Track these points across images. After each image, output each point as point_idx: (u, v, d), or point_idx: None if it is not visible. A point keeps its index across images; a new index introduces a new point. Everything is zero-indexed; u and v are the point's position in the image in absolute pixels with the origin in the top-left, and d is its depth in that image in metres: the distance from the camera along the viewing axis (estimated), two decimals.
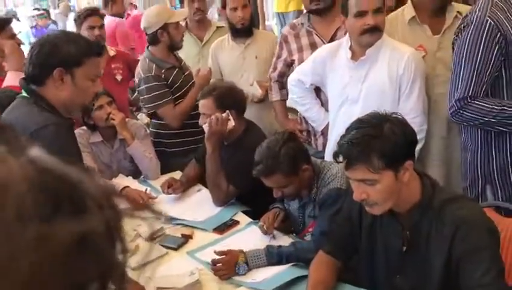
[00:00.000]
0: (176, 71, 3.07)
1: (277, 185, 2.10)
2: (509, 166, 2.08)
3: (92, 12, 3.41)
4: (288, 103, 3.02)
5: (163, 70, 3.02)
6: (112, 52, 3.48)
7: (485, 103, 1.98)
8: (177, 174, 2.85)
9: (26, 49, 3.18)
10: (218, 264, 2.00)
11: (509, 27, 1.94)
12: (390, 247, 1.67)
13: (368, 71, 2.37)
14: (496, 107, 1.96)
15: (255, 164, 2.08)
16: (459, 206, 1.55)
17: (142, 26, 3.12)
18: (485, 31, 1.94)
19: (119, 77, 3.47)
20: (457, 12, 2.43)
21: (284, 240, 2.14)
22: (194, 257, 2.15)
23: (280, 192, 2.13)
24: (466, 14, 2.08)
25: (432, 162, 2.51)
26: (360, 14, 2.25)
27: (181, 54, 3.21)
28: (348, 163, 1.54)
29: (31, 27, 10.20)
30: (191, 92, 3.04)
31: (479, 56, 1.96)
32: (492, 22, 1.93)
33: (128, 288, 1.47)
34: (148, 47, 3.11)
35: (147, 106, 3.12)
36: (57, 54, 1.71)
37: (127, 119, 2.95)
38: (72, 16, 7.94)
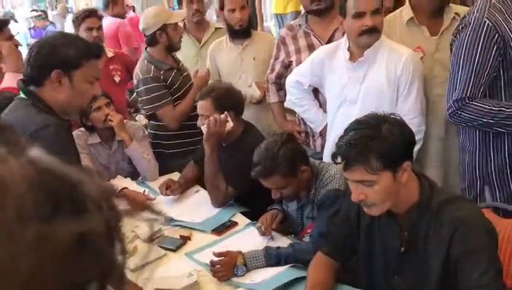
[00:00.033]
0: (174, 72, 3.07)
1: (275, 186, 2.10)
2: (507, 167, 2.08)
3: (90, 13, 3.41)
4: (286, 104, 3.02)
5: (161, 72, 3.02)
6: (110, 53, 3.48)
7: (483, 104, 1.98)
8: (175, 176, 2.85)
9: (23, 50, 3.18)
10: (216, 266, 2.00)
11: (507, 28, 1.95)
12: (389, 248, 1.67)
13: (366, 72, 2.37)
14: (493, 108, 1.97)
15: (254, 165, 2.08)
16: (457, 207, 1.55)
17: (140, 27, 3.13)
18: (483, 32, 1.94)
19: (117, 78, 3.47)
20: (455, 13, 2.43)
21: (283, 241, 2.14)
22: (192, 258, 2.15)
23: (278, 193, 2.13)
24: (464, 16, 2.09)
25: (430, 163, 2.51)
26: (358, 15, 2.25)
27: (179, 55, 3.21)
28: (346, 164, 1.54)
29: (29, 28, 10.20)
30: (190, 93, 3.04)
31: (477, 57, 1.97)
32: (490, 23, 1.94)
33: (127, 289, 1.46)
34: (146, 48, 3.11)
35: (146, 107, 3.11)
36: (56, 56, 1.71)
37: (125, 121, 2.95)
38: (70, 17, 7.95)
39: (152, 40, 3.03)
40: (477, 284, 1.45)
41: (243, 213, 2.48)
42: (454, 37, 2.10)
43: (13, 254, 0.39)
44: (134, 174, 2.93)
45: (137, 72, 3.06)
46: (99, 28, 3.40)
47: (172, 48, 3.06)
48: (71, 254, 0.42)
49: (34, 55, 1.73)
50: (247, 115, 2.78)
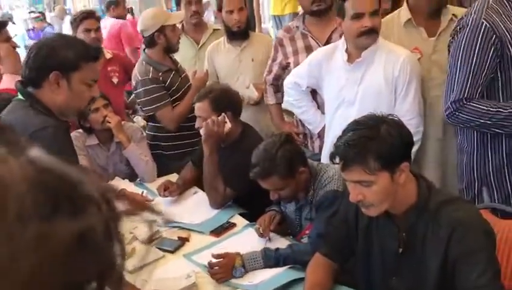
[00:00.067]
0: (173, 74, 3.07)
1: (274, 187, 2.10)
2: (505, 167, 2.08)
3: (88, 15, 3.40)
4: (284, 106, 3.02)
5: (160, 73, 3.02)
6: (108, 54, 3.48)
7: (481, 105, 1.99)
8: (173, 177, 2.85)
9: (21, 52, 3.18)
10: (215, 268, 2.00)
11: (505, 29, 1.95)
12: (387, 249, 1.67)
13: (364, 73, 2.37)
14: (491, 109, 1.97)
15: (252, 166, 2.08)
16: (455, 208, 1.55)
17: (138, 29, 3.13)
18: (481, 33, 1.95)
19: (115, 80, 3.46)
20: (453, 15, 2.44)
21: (281, 243, 2.14)
22: (190, 259, 2.15)
23: (277, 194, 2.13)
24: (461, 17, 2.09)
25: (427, 164, 2.51)
26: (357, 16, 2.26)
27: (177, 56, 3.21)
28: (344, 164, 1.55)
29: (27, 30, 10.19)
30: (188, 94, 3.04)
31: (475, 58, 1.97)
32: (487, 24, 1.94)
33: None
34: (144, 50, 3.11)
35: (144, 108, 3.11)
36: (54, 58, 1.70)
37: (123, 122, 2.95)
38: (68, 18, 7.94)
39: (150, 42, 3.03)
40: (475, 285, 1.45)
41: (241, 214, 2.47)
42: (452, 38, 2.10)
43: (13, 254, 0.39)
44: (132, 176, 2.93)
45: (136, 73, 3.06)
46: (97, 29, 3.40)
47: (170, 49, 3.06)
48: (71, 253, 0.42)
49: (32, 57, 1.73)
50: (245, 116, 2.78)
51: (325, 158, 2.51)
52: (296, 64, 2.75)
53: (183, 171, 2.81)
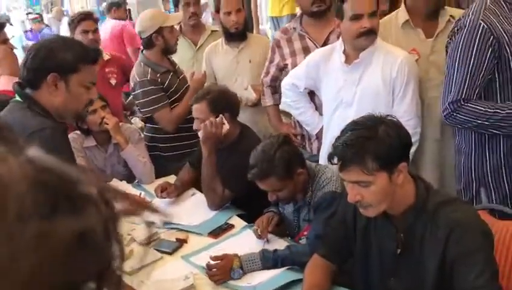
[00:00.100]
0: (171, 75, 3.07)
1: (272, 188, 2.10)
2: (503, 168, 2.09)
3: (86, 16, 3.40)
4: (282, 107, 3.02)
5: (158, 75, 3.01)
6: (106, 56, 3.48)
7: (478, 106, 1.99)
8: (171, 179, 2.85)
9: (18, 53, 3.18)
10: (213, 269, 2.00)
11: (502, 30, 1.96)
12: (385, 249, 1.67)
13: (361, 74, 2.38)
14: (489, 109, 1.98)
15: (250, 167, 2.08)
16: (453, 209, 1.55)
17: (136, 30, 3.13)
18: (478, 34, 1.95)
19: (113, 81, 3.46)
20: (450, 16, 2.45)
21: (279, 244, 2.14)
22: (188, 261, 2.14)
23: (275, 195, 2.13)
24: (459, 18, 2.10)
25: (425, 165, 2.51)
26: (356, 17, 2.26)
27: (175, 58, 3.21)
28: (343, 164, 1.55)
29: (25, 31, 10.18)
30: (186, 95, 3.04)
31: (472, 59, 1.97)
32: (485, 25, 1.95)
33: None
34: (142, 51, 3.11)
35: (143, 110, 3.11)
36: (53, 59, 1.70)
37: (120, 124, 2.95)
38: (65, 20, 7.95)
39: (148, 43, 3.03)
40: (473, 286, 1.45)
41: (240, 216, 2.47)
42: (450, 39, 2.11)
43: (13, 253, 0.39)
44: (130, 178, 2.92)
45: (134, 74, 3.06)
46: (95, 30, 3.39)
47: (168, 50, 3.06)
48: (71, 252, 0.42)
49: (30, 58, 1.72)
50: (244, 117, 2.78)
51: (323, 159, 2.51)
52: (294, 65, 2.75)
53: (181, 172, 2.81)
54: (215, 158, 2.49)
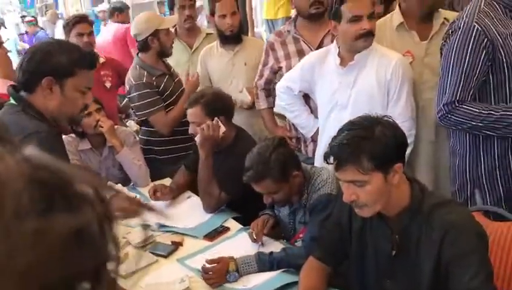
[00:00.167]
0: (166, 78, 3.07)
1: (267, 191, 2.10)
2: (497, 169, 2.10)
3: (81, 19, 3.39)
4: (276, 109, 3.02)
5: (154, 78, 3.01)
6: (101, 59, 3.47)
7: (473, 107, 2.00)
8: (167, 182, 2.84)
9: (12, 56, 3.17)
10: (209, 273, 1.99)
11: (496, 33, 1.97)
12: (380, 250, 1.67)
13: (356, 77, 2.38)
14: (483, 111, 1.99)
15: (246, 169, 2.08)
16: (448, 211, 1.56)
17: (132, 33, 3.12)
18: (472, 36, 1.96)
19: (108, 84, 3.45)
20: (444, 18, 2.46)
21: (275, 246, 2.14)
22: (184, 264, 2.14)
23: (270, 198, 2.13)
24: (453, 20, 2.11)
25: (420, 167, 2.52)
26: (356, 19, 2.26)
27: (171, 61, 3.21)
28: (338, 164, 1.55)
29: (19, 34, 10.16)
30: (181, 99, 3.04)
31: (467, 61, 1.98)
32: (479, 28, 1.96)
33: None
34: (138, 54, 3.11)
35: (138, 113, 3.10)
36: (48, 63, 1.69)
37: (116, 127, 2.94)
38: (60, 23, 7.94)
39: (144, 46, 3.03)
40: (468, 287, 1.46)
41: (235, 218, 2.47)
42: (444, 41, 2.12)
43: (10, 250, 0.40)
44: (125, 181, 2.91)
45: (130, 77, 3.05)
46: (90, 33, 3.38)
47: (164, 53, 3.06)
48: (68, 248, 0.42)
49: (26, 61, 1.72)
50: (239, 120, 2.78)
51: (318, 162, 2.51)
52: (289, 68, 2.75)
53: (176, 175, 2.81)
54: (212, 161, 2.49)
